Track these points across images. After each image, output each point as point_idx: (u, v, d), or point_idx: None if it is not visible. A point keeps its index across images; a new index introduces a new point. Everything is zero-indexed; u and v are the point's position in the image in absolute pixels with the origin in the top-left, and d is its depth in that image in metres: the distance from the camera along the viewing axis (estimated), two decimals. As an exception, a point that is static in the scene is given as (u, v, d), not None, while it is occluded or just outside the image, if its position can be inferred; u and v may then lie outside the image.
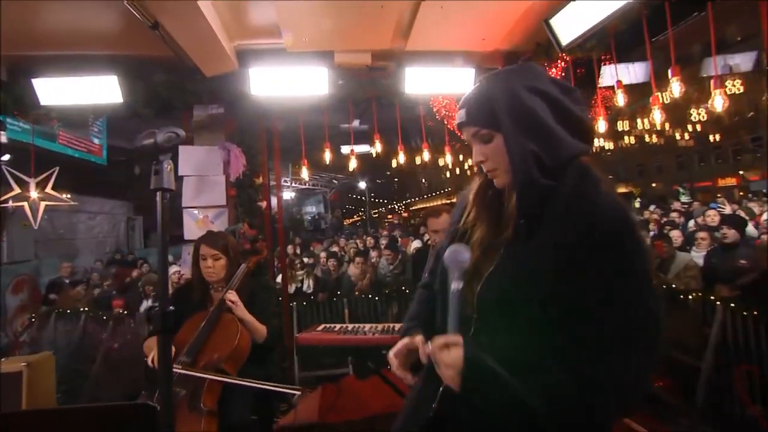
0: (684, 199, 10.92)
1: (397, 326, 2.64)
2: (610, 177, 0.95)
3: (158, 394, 1.96)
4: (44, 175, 3.73)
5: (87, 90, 3.08)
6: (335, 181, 16.97)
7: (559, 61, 3.05)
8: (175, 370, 2.05)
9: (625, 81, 3.87)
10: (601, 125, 3.14)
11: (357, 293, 5.29)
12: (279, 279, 4.55)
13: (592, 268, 0.81)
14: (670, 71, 2.39)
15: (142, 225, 13.21)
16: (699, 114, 7.74)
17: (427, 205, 29.86)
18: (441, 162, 7.70)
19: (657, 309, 0.82)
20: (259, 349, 2.29)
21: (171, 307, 1.07)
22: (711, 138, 12.88)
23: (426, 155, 5.29)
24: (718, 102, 2.30)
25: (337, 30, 2.90)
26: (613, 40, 2.63)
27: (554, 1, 2.66)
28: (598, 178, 0.90)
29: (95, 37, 2.86)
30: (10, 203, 3.59)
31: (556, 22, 2.67)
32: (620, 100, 2.80)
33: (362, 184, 19.23)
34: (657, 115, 2.67)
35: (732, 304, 3.04)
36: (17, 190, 3.61)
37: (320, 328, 2.65)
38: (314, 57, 3.17)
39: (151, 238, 12.90)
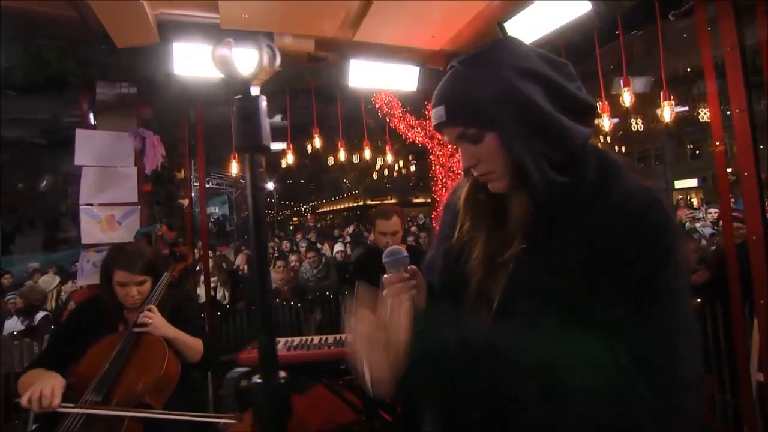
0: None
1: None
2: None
3: None
4: None
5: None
6: (242, 181, 15.98)
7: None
8: (79, 411, 1.61)
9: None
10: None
11: (278, 300, 4.97)
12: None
13: (635, 260, 0.70)
14: (621, 81, 2.54)
15: (1, 227, 11.00)
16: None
17: (334, 208, 29.72)
18: (380, 162, 7.57)
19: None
20: (189, 372, 1.92)
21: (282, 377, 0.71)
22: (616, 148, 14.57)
23: (342, 155, 5.12)
24: (667, 112, 2.49)
25: (282, 10, 2.60)
26: (564, 49, 2.71)
27: (508, 6, 2.67)
28: (618, 164, 0.80)
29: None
30: None
31: (510, 25, 2.68)
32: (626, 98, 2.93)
33: (270, 185, 18.42)
34: (606, 122, 2.82)
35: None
36: None
37: (263, 344, 2.34)
38: (251, 37, 2.80)
39: (17, 242, 10.75)
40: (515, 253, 0.79)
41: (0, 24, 2.16)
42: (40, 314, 4.49)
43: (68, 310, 4.25)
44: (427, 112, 3.70)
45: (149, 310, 1.83)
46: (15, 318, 4.43)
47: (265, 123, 0.64)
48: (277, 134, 5.83)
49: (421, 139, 3.67)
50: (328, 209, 28.94)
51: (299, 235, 9.27)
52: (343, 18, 2.77)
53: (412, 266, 0.86)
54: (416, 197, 21.40)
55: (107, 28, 2.37)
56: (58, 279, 6.08)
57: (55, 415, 1.64)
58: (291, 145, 3.91)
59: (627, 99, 2.58)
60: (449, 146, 3.72)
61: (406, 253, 0.85)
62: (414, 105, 3.70)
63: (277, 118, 6.11)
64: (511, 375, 0.70)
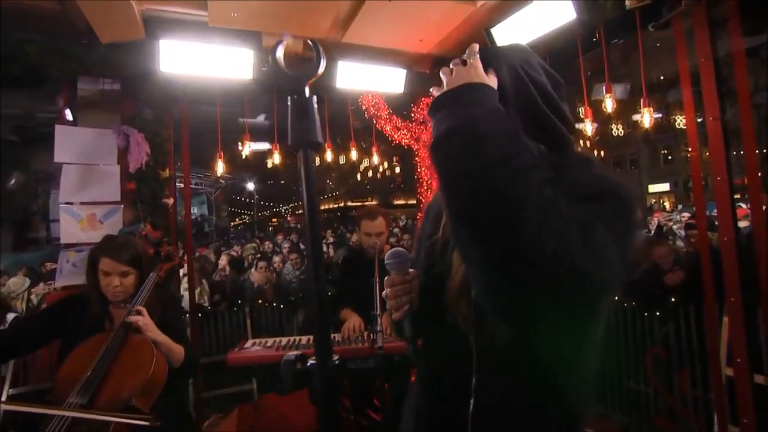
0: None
1: (337, 336, 2.45)
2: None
3: None
4: None
5: None
6: (222, 181, 15.72)
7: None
8: (62, 413, 1.57)
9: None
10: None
11: (261, 301, 4.93)
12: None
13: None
14: (603, 88, 2.63)
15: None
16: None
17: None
18: (366, 163, 7.58)
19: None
20: (173, 377, 1.89)
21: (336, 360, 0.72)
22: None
23: (329, 155, 5.12)
24: (647, 119, 2.58)
25: (271, 10, 2.59)
26: (548, 56, 2.79)
27: (496, 12, 2.73)
28: (595, 162, 0.85)
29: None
30: None
31: (496, 31, 2.74)
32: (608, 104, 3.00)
33: (250, 185, 18.17)
34: (588, 127, 2.89)
35: (615, 298, 3.48)
36: None
37: (250, 344, 2.32)
38: (239, 36, 2.79)
39: None
40: None
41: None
42: (11, 316, 4.35)
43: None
44: (413, 115, 3.74)
45: (138, 312, 1.80)
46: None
47: (317, 121, 0.66)
48: (262, 134, 5.80)
49: (407, 141, 3.71)
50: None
51: (281, 236, 9.20)
52: (332, 19, 2.79)
53: (413, 270, 0.89)
54: (398, 199, 21.47)
55: (91, 23, 2.32)
56: (28, 281, 5.86)
57: (31, 421, 1.60)
58: (278, 145, 3.89)
59: (609, 105, 2.67)
60: (435, 148, 3.76)
61: (410, 256, 0.88)
62: (400, 107, 3.74)
63: (260, 118, 6.06)
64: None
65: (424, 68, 3.57)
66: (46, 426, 1.52)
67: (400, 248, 0.90)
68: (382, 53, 3.26)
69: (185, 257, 3.28)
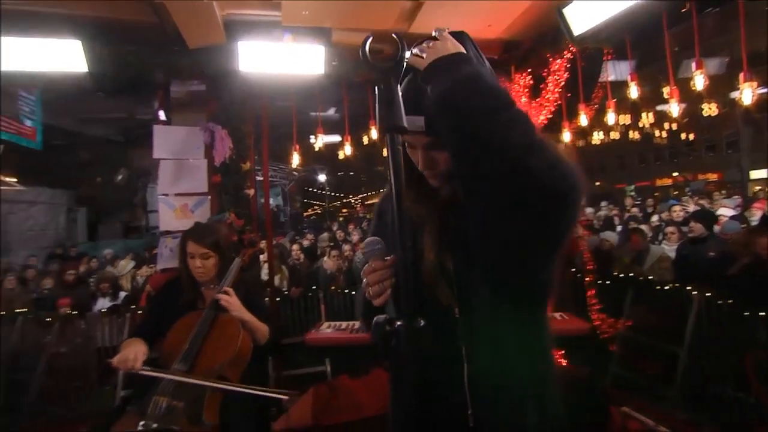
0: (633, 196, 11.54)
1: None
2: None
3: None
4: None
5: (47, 55, 2.64)
6: (295, 173, 16.46)
7: (565, 52, 3.01)
8: (164, 376, 1.80)
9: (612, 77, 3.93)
10: (611, 118, 3.14)
11: (333, 287, 5.14)
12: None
13: None
14: (693, 64, 2.40)
15: (86, 216, 12.07)
16: (647, 116, 8.02)
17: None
18: None
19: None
20: (257, 352, 2.06)
21: (421, 322, 0.80)
22: (683, 137, 13.41)
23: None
24: (747, 95, 2.32)
25: (340, 6, 2.69)
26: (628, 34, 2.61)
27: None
28: None
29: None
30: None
31: (569, 11, 2.61)
32: (633, 92, 2.79)
33: (322, 177, 18.83)
34: (675, 108, 2.67)
35: (707, 294, 3.21)
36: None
37: (325, 326, 2.45)
38: (310, 33, 2.92)
39: (100, 230, 11.78)
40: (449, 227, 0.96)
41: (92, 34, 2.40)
42: (122, 294, 4.99)
43: (146, 292, 4.64)
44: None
45: (226, 292, 1.98)
46: (103, 298, 4.94)
47: (402, 107, 0.74)
48: (333, 127, 5.99)
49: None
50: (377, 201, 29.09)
51: (352, 226, 9.47)
52: (398, 11, 2.82)
53: (390, 257, 0.92)
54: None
55: (181, 30, 2.56)
56: (132, 263, 6.63)
57: (146, 382, 1.84)
58: (349, 137, 4.01)
59: (699, 82, 2.43)
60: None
61: (382, 243, 0.91)
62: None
63: (331, 111, 6.26)
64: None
65: (492, 54, 3.49)
66: (157, 386, 1.77)
67: (373, 237, 0.92)
68: (449, 41, 3.23)
69: (265, 244, 3.52)
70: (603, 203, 10.10)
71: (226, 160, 2.98)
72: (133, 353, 1.81)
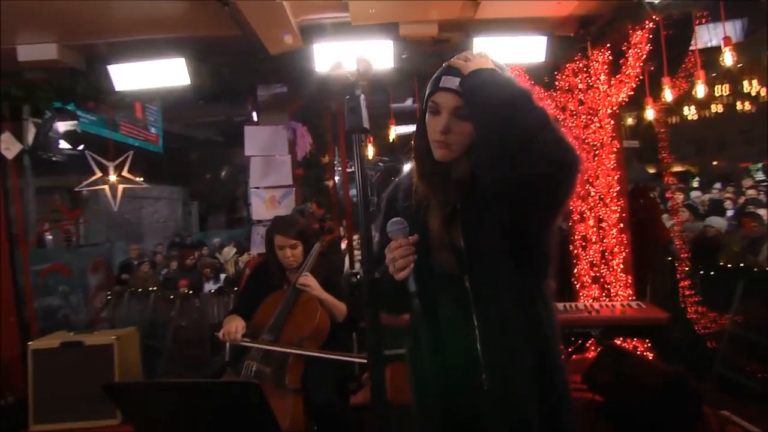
0: (759, 176, 10.06)
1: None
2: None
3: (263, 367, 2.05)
4: (120, 159, 3.89)
5: (157, 74, 3.13)
6: (380, 164, 16.88)
7: (647, 22, 2.79)
8: (258, 346, 2.10)
9: (713, 42, 3.53)
10: (701, 90, 2.85)
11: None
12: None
13: None
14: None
15: (198, 210, 13.76)
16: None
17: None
18: None
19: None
20: (337, 330, 2.28)
21: (376, 275, 1.03)
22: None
23: None
24: None
25: (404, 1, 2.78)
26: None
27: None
28: None
29: (164, 20, 2.89)
30: (93, 187, 3.78)
31: (648, -24, 2.43)
32: (728, 59, 2.52)
33: (407, 167, 19.05)
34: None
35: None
36: (99, 174, 3.79)
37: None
38: (378, 30, 3.06)
39: (209, 221, 13.41)
40: (456, 206, 1.09)
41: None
42: (222, 277, 5.67)
43: (245, 275, 5.24)
44: (557, 83, 3.53)
45: (305, 276, 2.22)
46: (207, 282, 5.68)
47: (365, 113, 0.94)
48: (407, 118, 6.11)
49: (551, 111, 3.53)
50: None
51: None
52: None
53: (413, 236, 1.03)
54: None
55: (262, 39, 2.85)
56: (234, 250, 7.47)
57: (242, 350, 2.17)
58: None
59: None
60: (583, 117, 3.50)
61: (405, 223, 1.02)
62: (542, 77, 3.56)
63: (408, 102, 6.37)
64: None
65: (567, 31, 3.34)
66: (249, 352, 2.13)
67: (398, 218, 1.03)
68: (519, 23, 3.16)
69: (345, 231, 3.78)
70: (717, 185, 9.00)
71: (307, 155, 3.28)
72: (234, 327, 2.14)
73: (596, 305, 2.35)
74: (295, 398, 2.00)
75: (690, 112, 7.42)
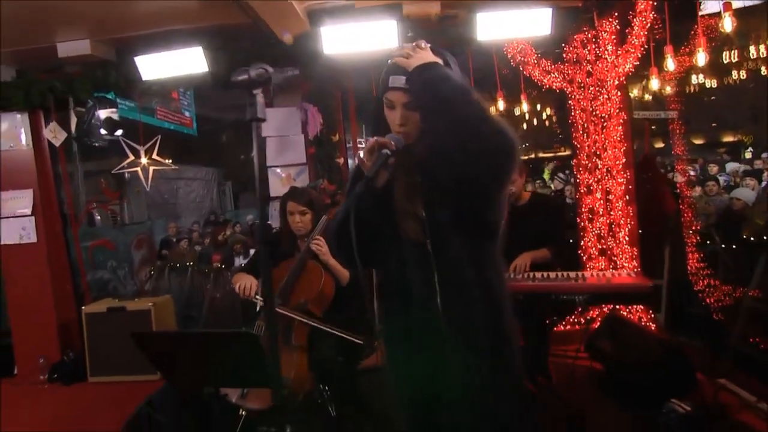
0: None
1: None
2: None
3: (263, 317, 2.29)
4: (150, 143, 4.23)
5: (179, 63, 3.37)
6: (392, 142, 16.87)
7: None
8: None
9: (737, 4, 3.40)
10: (701, 58, 2.81)
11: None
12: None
13: None
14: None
15: (232, 189, 14.37)
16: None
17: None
18: (517, 111, 7.36)
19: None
20: (342, 295, 2.49)
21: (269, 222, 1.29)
22: None
23: (501, 105, 5.10)
24: None
25: (406, -20, 2.86)
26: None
27: None
28: None
29: (183, 12, 3.10)
30: (127, 170, 4.15)
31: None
32: (727, 25, 2.47)
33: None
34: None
35: None
36: (132, 158, 4.16)
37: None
38: (382, 11, 3.16)
39: (241, 199, 14.02)
40: (415, 174, 1.26)
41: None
42: (251, 252, 6.03)
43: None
44: (564, 55, 3.53)
45: (318, 239, 2.43)
46: (237, 257, 6.05)
47: (262, 107, 1.24)
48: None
49: (558, 84, 3.54)
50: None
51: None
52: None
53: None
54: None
55: (271, 26, 3.02)
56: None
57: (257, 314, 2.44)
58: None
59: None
60: (591, 89, 3.50)
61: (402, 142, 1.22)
62: (549, 49, 3.55)
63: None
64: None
65: (575, 2, 3.32)
66: (259, 313, 2.41)
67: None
68: (522, -3, 3.17)
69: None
70: (764, 155, 8.54)
71: (318, 134, 3.47)
72: (249, 283, 2.40)
73: (587, 274, 2.45)
74: (300, 354, 2.26)
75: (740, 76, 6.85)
